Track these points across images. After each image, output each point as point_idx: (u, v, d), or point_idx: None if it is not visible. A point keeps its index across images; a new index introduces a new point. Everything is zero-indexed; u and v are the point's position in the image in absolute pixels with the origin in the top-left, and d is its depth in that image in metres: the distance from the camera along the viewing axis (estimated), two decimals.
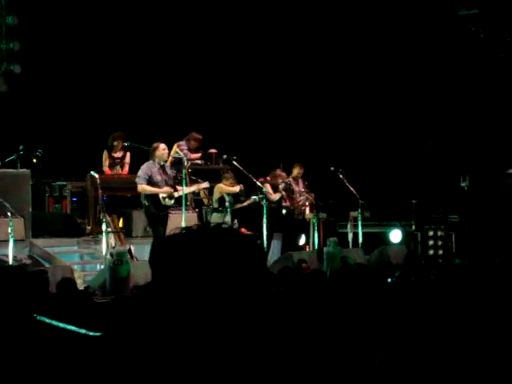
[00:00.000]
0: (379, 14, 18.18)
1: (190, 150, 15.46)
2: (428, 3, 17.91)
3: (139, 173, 13.37)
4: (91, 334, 2.74)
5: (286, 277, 9.40)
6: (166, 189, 13.41)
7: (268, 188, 15.08)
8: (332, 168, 15.75)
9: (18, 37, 15.14)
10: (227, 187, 14.78)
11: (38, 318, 2.83)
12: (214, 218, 14.73)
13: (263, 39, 18.39)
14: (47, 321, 2.88)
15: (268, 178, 15.39)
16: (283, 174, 15.44)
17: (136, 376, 2.02)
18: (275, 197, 15.20)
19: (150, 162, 13.41)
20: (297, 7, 18.36)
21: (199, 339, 1.98)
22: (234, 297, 1.92)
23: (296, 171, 15.83)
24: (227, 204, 14.84)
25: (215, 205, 14.86)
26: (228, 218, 14.69)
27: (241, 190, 14.92)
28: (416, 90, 18.21)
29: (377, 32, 18.21)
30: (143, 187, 13.24)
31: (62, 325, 2.85)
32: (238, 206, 15.07)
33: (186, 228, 2.00)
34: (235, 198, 14.98)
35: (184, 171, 13.98)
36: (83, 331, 2.77)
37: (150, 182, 13.32)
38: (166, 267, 1.95)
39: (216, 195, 14.80)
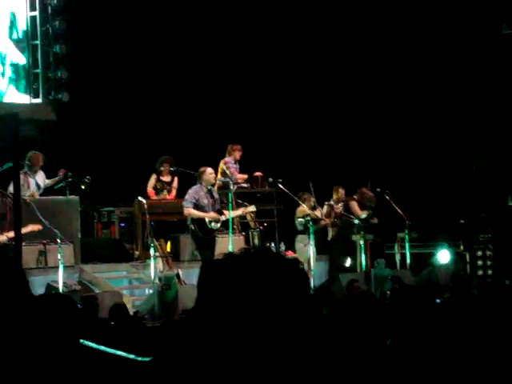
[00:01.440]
0: (427, 29, 18.15)
1: (235, 162, 15.55)
2: (472, 21, 17.84)
3: (186, 197, 13.48)
4: (140, 359, 2.77)
5: (335, 298, 9.39)
6: (212, 214, 13.50)
7: (355, 205, 15.17)
8: (378, 189, 15.73)
9: (66, 65, 15.37)
10: (307, 210, 15.00)
11: (85, 343, 2.87)
12: (298, 240, 14.96)
13: (305, 54, 18.45)
14: (95, 346, 2.92)
15: (355, 196, 15.51)
16: (368, 193, 15.55)
17: None
18: (362, 214, 15.27)
19: (197, 185, 13.52)
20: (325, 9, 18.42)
21: (246, 364, 2.00)
22: (278, 320, 1.94)
23: (339, 193, 15.87)
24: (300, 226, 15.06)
25: (299, 227, 15.08)
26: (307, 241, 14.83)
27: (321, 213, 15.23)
28: (463, 108, 18.11)
29: (426, 47, 18.18)
30: (190, 211, 13.34)
31: (110, 350, 2.89)
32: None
33: (233, 253, 2.04)
34: (314, 221, 15.12)
35: (230, 195, 14.06)
36: (132, 356, 2.81)
37: (197, 205, 13.42)
38: (212, 291, 1.98)
39: (298, 217, 15.02)
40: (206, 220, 13.43)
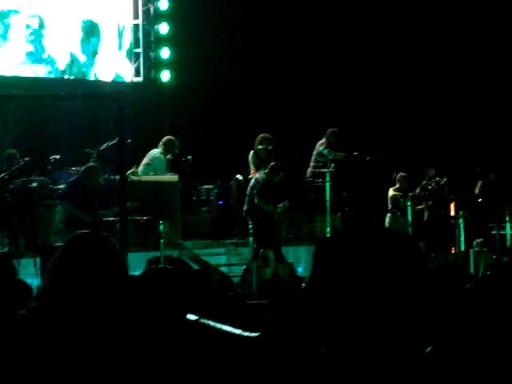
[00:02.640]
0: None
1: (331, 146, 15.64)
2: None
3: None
4: (246, 334, 2.83)
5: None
6: None
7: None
8: (478, 169, 15.56)
9: (167, 44, 15.55)
10: (394, 192, 15.12)
11: (192, 317, 2.94)
12: (388, 219, 15.05)
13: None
14: (203, 321, 2.98)
15: None
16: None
17: (295, 376, 2.06)
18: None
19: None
20: None
21: (360, 339, 2.00)
22: (395, 295, 1.94)
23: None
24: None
25: (390, 207, 15.23)
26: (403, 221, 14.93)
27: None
28: None
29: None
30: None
31: (218, 325, 2.96)
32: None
33: (350, 227, 2.06)
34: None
35: (328, 173, 14.16)
36: (238, 332, 2.87)
37: None
38: (329, 265, 1.98)
39: (390, 198, 15.08)
40: None
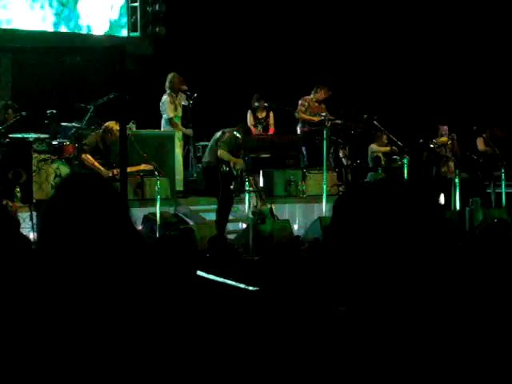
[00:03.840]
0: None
1: (319, 102, 15.62)
2: None
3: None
4: (250, 288, 2.84)
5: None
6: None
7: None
8: (475, 127, 15.56)
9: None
10: (378, 147, 15.12)
11: (201, 274, 2.95)
12: (369, 177, 15.00)
13: None
14: (207, 276, 3.00)
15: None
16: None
17: (294, 333, 2.06)
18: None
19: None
20: None
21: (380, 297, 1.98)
22: (417, 245, 1.93)
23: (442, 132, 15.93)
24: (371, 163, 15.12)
25: (370, 164, 15.20)
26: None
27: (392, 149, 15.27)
28: None
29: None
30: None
31: (221, 280, 2.97)
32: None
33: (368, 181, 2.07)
34: (388, 158, 15.19)
35: (326, 130, 14.15)
36: (242, 286, 2.88)
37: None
38: (350, 215, 1.97)
39: (370, 155, 15.14)
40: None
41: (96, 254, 2.49)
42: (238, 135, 13.37)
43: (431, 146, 15.68)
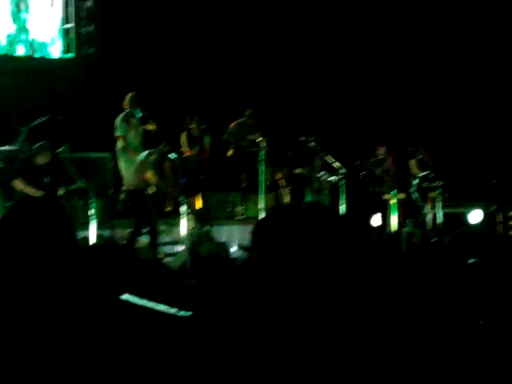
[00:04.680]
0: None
1: (249, 124, 15.74)
2: None
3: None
4: (181, 313, 2.76)
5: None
6: None
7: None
8: (410, 148, 15.71)
9: (96, 19, 15.31)
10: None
11: (124, 298, 2.86)
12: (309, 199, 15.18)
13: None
14: (134, 301, 2.90)
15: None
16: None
17: (229, 357, 2.03)
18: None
19: None
20: None
21: (301, 318, 1.98)
22: (332, 272, 1.93)
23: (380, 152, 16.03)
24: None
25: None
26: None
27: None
28: (497, 70, 17.94)
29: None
30: None
31: (150, 304, 2.88)
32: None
33: (285, 206, 2.03)
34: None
35: (262, 153, 14.11)
36: (172, 311, 2.80)
37: None
38: (267, 244, 1.97)
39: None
40: None
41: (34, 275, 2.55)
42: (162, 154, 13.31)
43: (367, 166, 15.76)
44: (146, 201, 13.10)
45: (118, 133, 13.96)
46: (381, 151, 16.03)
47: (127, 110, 14.07)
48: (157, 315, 2.81)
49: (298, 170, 15.78)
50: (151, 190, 13.12)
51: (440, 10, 18.29)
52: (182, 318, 2.70)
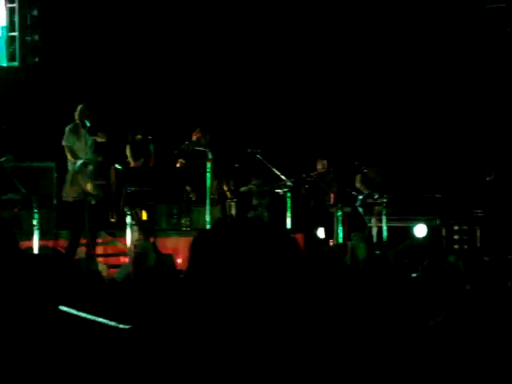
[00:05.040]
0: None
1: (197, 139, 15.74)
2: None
3: None
4: (121, 326, 2.71)
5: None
6: None
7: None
8: (356, 162, 15.78)
9: (40, 28, 15.16)
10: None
11: (65, 309, 2.80)
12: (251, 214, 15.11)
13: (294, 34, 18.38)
14: (74, 312, 2.84)
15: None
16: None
17: (168, 369, 2.00)
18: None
19: None
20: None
21: (237, 330, 1.97)
22: (271, 289, 1.91)
23: (320, 166, 16.00)
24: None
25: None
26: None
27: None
28: (442, 84, 18.12)
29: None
30: None
31: (90, 317, 2.82)
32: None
33: (225, 221, 2.00)
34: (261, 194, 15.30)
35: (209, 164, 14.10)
36: (113, 323, 2.75)
37: None
38: (205, 259, 1.95)
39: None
40: None
41: None
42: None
43: (310, 179, 15.81)
44: (84, 212, 12.88)
45: (63, 142, 13.80)
46: (321, 164, 16.03)
47: (76, 121, 13.93)
48: (97, 326, 2.76)
49: (242, 189, 15.79)
50: (92, 201, 12.96)
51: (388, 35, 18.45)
52: (122, 329, 2.65)
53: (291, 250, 1.98)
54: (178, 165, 15.78)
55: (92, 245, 13.06)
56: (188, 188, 15.50)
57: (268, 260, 1.93)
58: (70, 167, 13.48)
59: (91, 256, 12.79)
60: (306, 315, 1.98)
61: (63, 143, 13.82)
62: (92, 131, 13.62)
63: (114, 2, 17.10)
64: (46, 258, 3.77)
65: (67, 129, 13.82)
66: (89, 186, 12.96)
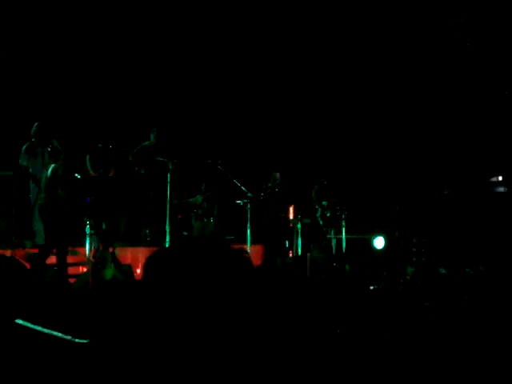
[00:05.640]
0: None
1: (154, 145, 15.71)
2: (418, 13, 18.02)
3: None
4: (77, 340, 2.70)
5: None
6: None
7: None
8: (314, 174, 15.87)
9: None
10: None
11: (20, 322, 2.78)
12: (198, 226, 14.93)
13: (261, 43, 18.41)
14: (30, 326, 2.82)
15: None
16: None
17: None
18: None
19: None
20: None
21: (188, 345, 1.98)
22: (221, 307, 1.94)
23: (274, 178, 16.03)
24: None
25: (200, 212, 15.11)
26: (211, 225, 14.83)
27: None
28: (403, 96, 18.26)
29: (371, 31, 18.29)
30: None
31: (46, 331, 2.80)
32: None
33: (180, 240, 2.02)
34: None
35: (169, 175, 14.07)
36: (68, 337, 2.73)
37: None
38: (159, 277, 1.97)
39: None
40: None
41: None
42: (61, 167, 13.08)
43: (268, 190, 15.80)
44: (58, 218, 12.80)
45: (20, 161, 13.82)
46: (276, 176, 16.04)
47: (32, 140, 13.89)
48: (53, 340, 2.74)
49: (190, 200, 15.74)
50: (65, 206, 12.86)
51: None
52: (78, 344, 2.64)
53: (243, 271, 2.01)
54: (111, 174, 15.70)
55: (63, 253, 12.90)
56: (150, 198, 15.48)
57: (217, 278, 1.96)
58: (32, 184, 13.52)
59: (63, 264, 12.71)
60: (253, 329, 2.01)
61: (19, 162, 13.80)
62: (52, 153, 13.58)
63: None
64: (7, 269, 3.75)
65: (23, 148, 13.81)
66: (61, 191, 12.87)
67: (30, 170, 13.85)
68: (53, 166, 13.11)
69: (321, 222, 15.89)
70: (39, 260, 12.61)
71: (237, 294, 1.97)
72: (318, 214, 15.92)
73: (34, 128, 13.96)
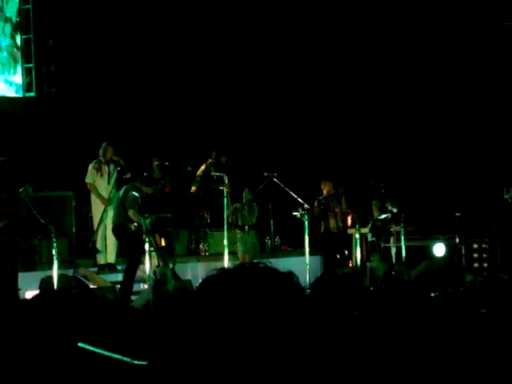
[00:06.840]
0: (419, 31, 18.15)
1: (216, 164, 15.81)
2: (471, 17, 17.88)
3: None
4: (136, 362, 2.72)
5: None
6: None
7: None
8: (373, 183, 15.74)
9: (54, 59, 15.26)
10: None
11: (81, 345, 2.81)
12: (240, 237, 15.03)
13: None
14: (91, 349, 2.85)
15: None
16: None
17: None
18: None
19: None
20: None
21: (244, 369, 1.99)
22: (274, 334, 1.94)
23: (328, 187, 15.87)
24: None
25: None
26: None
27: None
28: (459, 100, 18.10)
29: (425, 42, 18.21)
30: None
31: (106, 353, 2.83)
32: None
33: (229, 269, 2.04)
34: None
35: (225, 190, 14.11)
36: (128, 360, 2.76)
37: None
38: (210, 306, 1.98)
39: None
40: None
41: None
42: (142, 189, 13.23)
43: (324, 201, 15.69)
44: (127, 237, 13.02)
45: (86, 179, 14.00)
46: (328, 186, 15.82)
47: (99, 158, 14.09)
48: (114, 363, 2.77)
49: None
50: (134, 227, 13.04)
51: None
52: (139, 365, 2.67)
53: (292, 296, 2.01)
54: (193, 189, 15.84)
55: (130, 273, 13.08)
56: (206, 212, 15.55)
57: (270, 307, 1.96)
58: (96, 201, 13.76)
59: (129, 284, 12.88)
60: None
61: (86, 180, 13.98)
62: (121, 171, 13.79)
63: (126, 31, 17.19)
64: (64, 293, 3.79)
65: (90, 165, 13.99)
66: (132, 213, 13.04)
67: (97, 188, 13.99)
68: (125, 187, 13.29)
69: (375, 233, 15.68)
70: (127, 286, 12.71)
71: (286, 320, 1.97)
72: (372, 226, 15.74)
73: (102, 147, 14.12)
